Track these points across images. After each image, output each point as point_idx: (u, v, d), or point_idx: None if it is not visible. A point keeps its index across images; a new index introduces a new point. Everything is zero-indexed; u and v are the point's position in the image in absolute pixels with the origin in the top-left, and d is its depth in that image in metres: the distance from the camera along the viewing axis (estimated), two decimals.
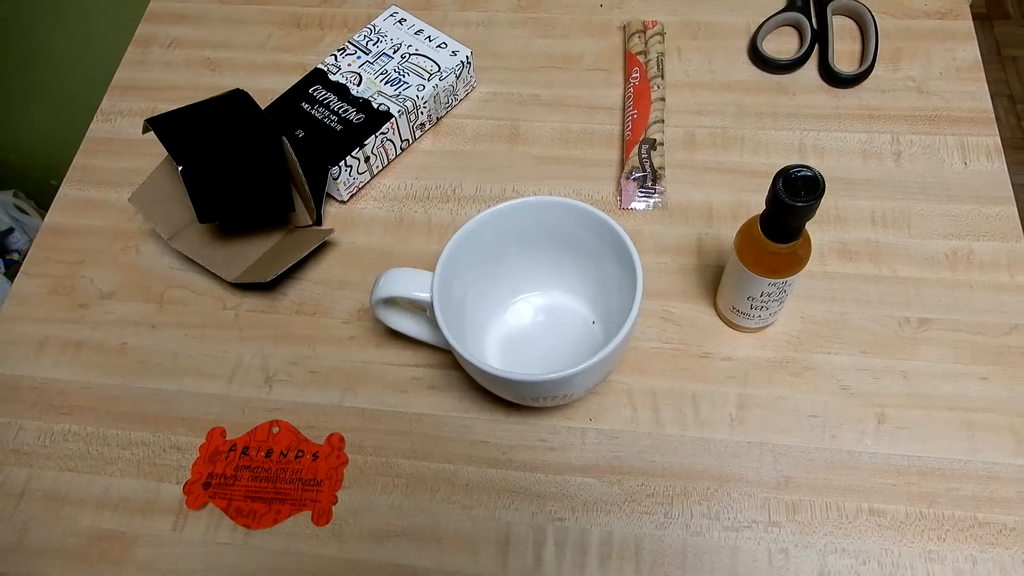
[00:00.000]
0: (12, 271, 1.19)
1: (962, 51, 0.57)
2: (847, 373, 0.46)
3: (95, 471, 0.47)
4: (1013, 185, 0.51)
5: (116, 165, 0.58)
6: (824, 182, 0.36)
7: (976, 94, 0.55)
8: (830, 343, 0.47)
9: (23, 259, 1.22)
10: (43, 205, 1.29)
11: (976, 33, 0.58)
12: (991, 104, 0.55)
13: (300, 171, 0.49)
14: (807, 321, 0.48)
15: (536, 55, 0.61)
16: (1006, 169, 0.52)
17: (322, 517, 0.44)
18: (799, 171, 0.37)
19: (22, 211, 1.25)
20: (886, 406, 0.45)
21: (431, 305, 0.41)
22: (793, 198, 0.36)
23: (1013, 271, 0.48)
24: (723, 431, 0.45)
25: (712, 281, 0.50)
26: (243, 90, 0.50)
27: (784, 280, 0.42)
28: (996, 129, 0.53)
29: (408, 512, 0.44)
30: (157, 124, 0.47)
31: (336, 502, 0.45)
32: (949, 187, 0.52)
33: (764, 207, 0.39)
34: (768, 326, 0.48)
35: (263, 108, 0.54)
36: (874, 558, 0.41)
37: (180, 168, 0.45)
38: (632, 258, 0.41)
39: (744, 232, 0.42)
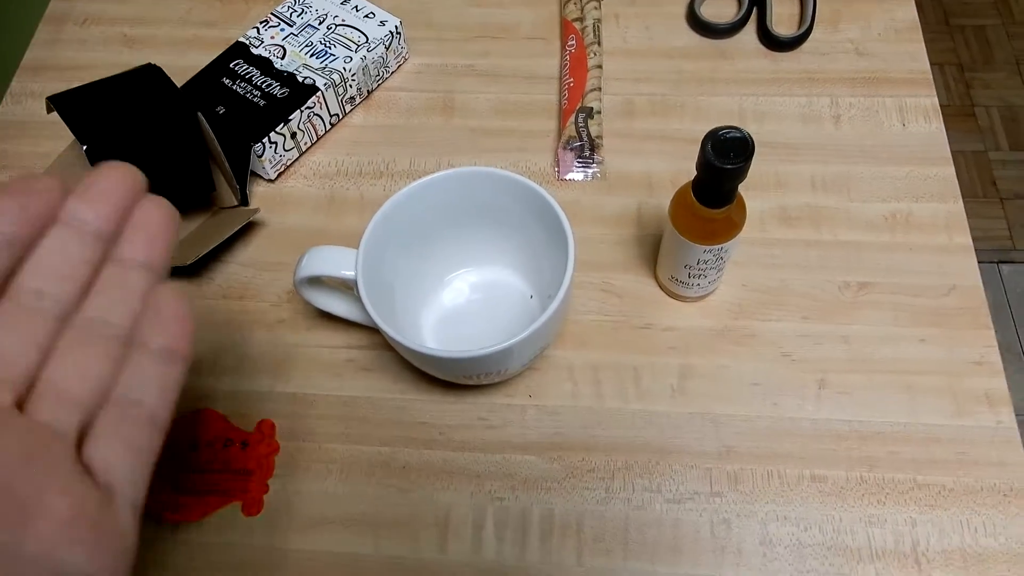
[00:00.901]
0: None
1: (900, 12, 0.56)
2: (789, 340, 0.46)
3: None
4: (962, 153, 0.51)
5: (27, 149, 0.55)
6: (753, 143, 0.35)
7: (915, 55, 0.55)
8: (771, 310, 0.47)
9: None
10: None
11: (926, 3, 0.57)
12: (928, 66, 0.54)
13: (219, 148, 0.47)
14: (748, 289, 0.47)
15: (471, 25, 0.59)
16: (944, 130, 0.52)
17: (253, 507, 0.42)
18: (728, 133, 0.36)
19: None
20: (827, 371, 0.45)
21: (356, 283, 0.40)
22: (722, 160, 0.35)
23: (951, 232, 0.48)
24: (665, 403, 0.44)
25: (652, 251, 0.49)
26: (155, 64, 0.47)
27: (720, 246, 0.41)
28: (934, 90, 0.53)
29: (344, 498, 0.43)
30: (60, 101, 0.44)
31: (268, 491, 0.43)
32: (888, 149, 0.51)
33: (695, 172, 0.38)
34: (709, 295, 0.47)
35: (182, 85, 0.52)
36: (815, 524, 0.41)
37: (84, 148, 0.43)
38: (563, 227, 0.40)
39: (678, 199, 0.41)
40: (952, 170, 0.50)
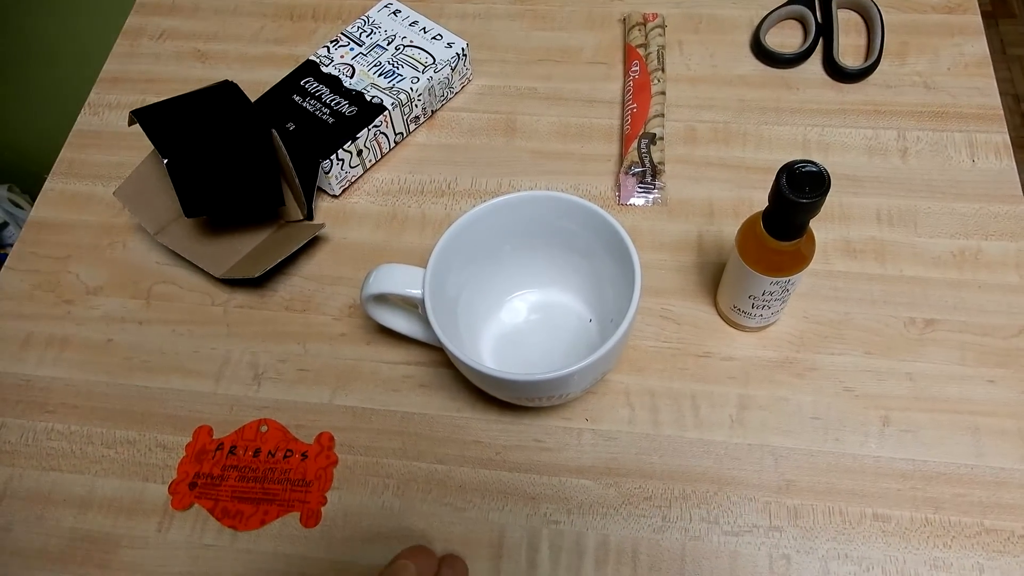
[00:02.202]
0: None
1: (970, 46, 0.56)
2: (851, 374, 0.45)
3: (79, 470, 0.46)
4: (1021, 183, 0.50)
5: (103, 159, 0.57)
6: (829, 178, 0.35)
7: (984, 90, 0.54)
8: (833, 343, 0.46)
9: None
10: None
11: None
12: (999, 101, 0.53)
13: (290, 164, 0.48)
14: (810, 321, 0.47)
15: (534, 48, 0.59)
16: (1015, 167, 0.51)
17: (311, 519, 0.43)
18: (804, 166, 0.35)
19: (17, 205, 1.24)
20: (891, 408, 0.44)
21: (423, 302, 0.40)
22: (797, 194, 0.35)
23: (1022, 271, 0.47)
24: (723, 432, 0.44)
25: (712, 279, 0.49)
26: (232, 81, 0.49)
27: (787, 279, 0.41)
28: (1005, 126, 0.52)
29: (399, 514, 0.43)
30: (143, 116, 0.46)
31: (325, 503, 0.43)
32: (956, 185, 0.50)
33: (767, 203, 0.38)
34: (770, 325, 0.47)
35: (254, 101, 0.53)
36: (878, 565, 0.40)
37: (165, 161, 0.44)
38: (630, 254, 0.40)
39: (746, 229, 0.41)
40: None
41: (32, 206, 1.27)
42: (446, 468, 0.44)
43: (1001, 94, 1.55)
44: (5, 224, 1.21)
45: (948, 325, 0.46)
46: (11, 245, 1.20)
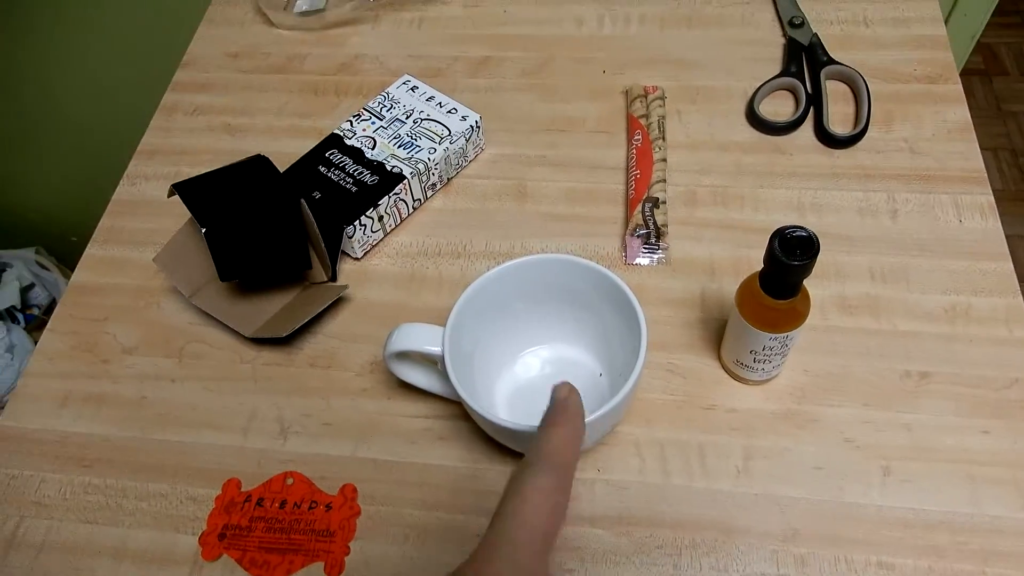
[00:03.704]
0: (31, 326, 1.21)
1: (952, 113, 0.59)
2: (851, 425, 0.47)
3: (113, 523, 0.48)
4: (1019, 238, 0.52)
5: (140, 226, 0.61)
6: (818, 242, 0.38)
7: (967, 154, 0.57)
8: (833, 396, 0.48)
9: (43, 314, 1.25)
10: (63, 261, 1.32)
11: (976, 89, 0.60)
12: (982, 163, 0.56)
13: (317, 230, 0.52)
14: (810, 374, 0.49)
15: (542, 118, 0.63)
16: (1000, 226, 0.54)
17: (335, 568, 0.45)
18: (794, 231, 0.38)
19: (43, 267, 1.28)
20: (890, 458, 0.46)
21: (442, 358, 0.43)
22: (789, 257, 0.38)
23: (1011, 326, 0.50)
24: (729, 482, 0.46)
25: (716, 333, 0.51)
26: (264, 155, 0.53)
27: (785, 335, 0.43)
28: (989, 188, 0.55)
29: (420, 563, 0.45)
30: (182, 188, 0.49)
31: (348, 553, 0.45)
32: (945, 243, 0.53)
33: (763, 265, 0.41)
34: (772, 379, 0.49)
35: (282, 170, 0.57)
36: None
37: (204, 230, 0.48)
38: (636, 312, 0.43)
39: (745, 288, 0.44)
40: (1011, 266, 0.52)
41: (58, 268, 1.31)
42: (464, 518, 0.46)
43: (998, 149, 1.60)
44: (32, 285, 1.25)
45: (942, 377, 0.48)
46: (37, 306, 1.25)
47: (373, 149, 0.58)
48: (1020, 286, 0.51)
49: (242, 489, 0.48)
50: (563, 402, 0.32)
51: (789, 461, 0.46)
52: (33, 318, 1.22)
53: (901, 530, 0.43)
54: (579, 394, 0.33)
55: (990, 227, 0.53)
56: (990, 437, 0.46)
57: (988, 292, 0.51)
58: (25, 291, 1.24)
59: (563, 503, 0.28)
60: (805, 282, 0.42)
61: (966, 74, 0.59)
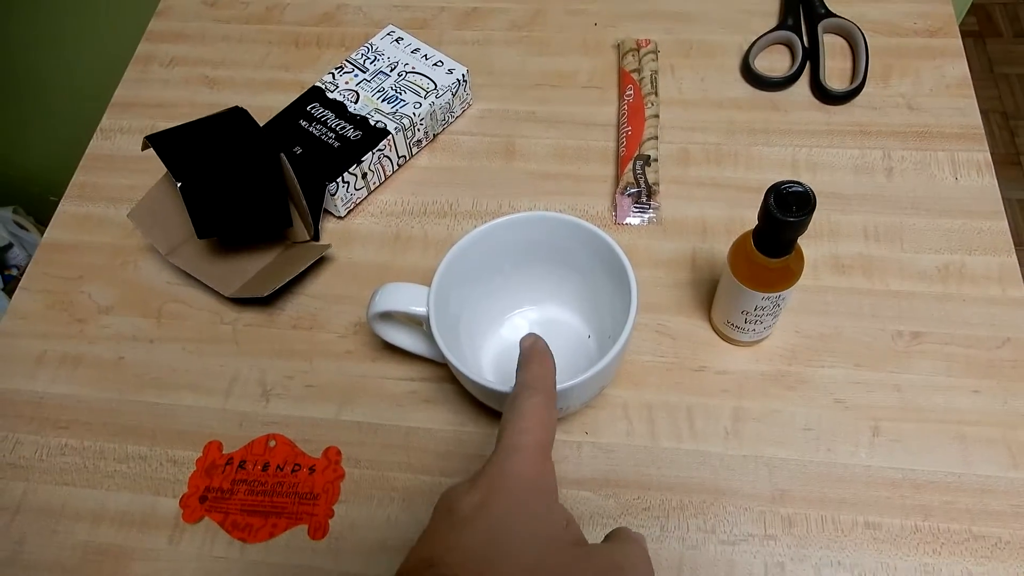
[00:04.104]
0: (11, 287, 1.19)
1: (951, 68, 0.58)
2: (841, 386, 0.47)
3: (91, 485, 0.47)
4: (1008, 200, 0.52)
5: (115, 182, 0.59)
6: (815, 198, 0.37)
7: (965, 110, 0.56)
8: (824, 356, 0.48)
9: (21, 275, 1.22)
10: (42, 221, 1.29)
11: (969, 51, 0.59)
12: (980, 120, 0.55)
13: (298, 187, 0.50)
14: (801, 335, 0.48)
15: (531, 73, 0.61)
16: (996, 184, 0.53)
17: (318, 531, 0.44)
18: (790, 187, 0.37)
19: (21, 227, 1.25)
20: (880, 419, 0.45)
21: (427, 319, 0.42)
22: (784, 213, 0.37)
23: (1005, 285, 0.49)
24: (718, 444, 0.45)
25: (707, 295, 0.50)
26: (242, 107, 0.51)
27: (777, 294, 0.42)
28: (986, 145, 0.54)
29: (405, 526, 0.44)
30: (156, 141, 0.47)
31: (332, 516, 0.45)
32: (940, 202, 0.52)
33: (757, 222, 0.39)
34: (763, 340, 0.48)
35: (262, 125, 0.55)
36: (870, 572, 0.41)
37: (179, 184, 0.46)
38: (626, 272, 0.41)
39: (737, 247, 0.43)
40: (1005, 224, 0.51)
41: (36, 228, 1.28)
42: (450, 481, 0.45)
43: (991, 111, 1.58)
44: (9, 246, 1.22)
45: (934, 337, 0.48)
46: (15, 266, 1.22)
47: (356, 103, 0.56)
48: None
49: (224, 452, 0.47)
50: (531, 347, 0.37)
51: (779, 422, 0.46)
52: (11, 279, 1.20)
53: (889, 490, 0.43)
54: (544, 340, 0.37)
55: (986, 184, 0.52)
56: (981, 397, 0.45)
57: (982, 251, 0.50)
58: (3, 252, 1.21)
59: (553, 417, 0.33)
60: (798, 241, 0.41)
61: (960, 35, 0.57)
